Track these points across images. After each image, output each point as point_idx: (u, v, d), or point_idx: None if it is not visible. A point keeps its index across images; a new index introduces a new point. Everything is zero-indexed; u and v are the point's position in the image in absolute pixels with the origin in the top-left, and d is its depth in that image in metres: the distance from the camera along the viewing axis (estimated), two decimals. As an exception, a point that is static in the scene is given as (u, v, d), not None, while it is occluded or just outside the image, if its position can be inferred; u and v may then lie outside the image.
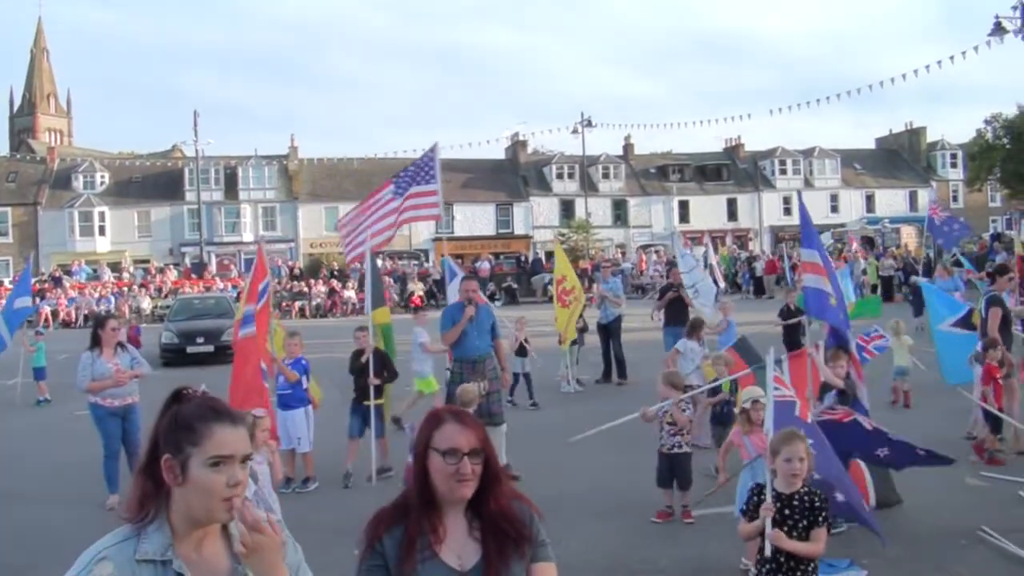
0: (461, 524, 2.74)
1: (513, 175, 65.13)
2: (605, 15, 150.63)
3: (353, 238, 13.53)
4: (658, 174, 66.59)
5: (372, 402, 9.89)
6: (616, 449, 10.07)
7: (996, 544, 6.96)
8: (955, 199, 66.68)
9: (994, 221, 62.81)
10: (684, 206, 64.71)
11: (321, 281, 42.66)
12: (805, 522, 4.84)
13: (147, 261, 52.52)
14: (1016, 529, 7.22)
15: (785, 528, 4.82)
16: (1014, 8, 38.94)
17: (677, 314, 15.55)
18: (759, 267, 43.40)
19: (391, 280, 43.84)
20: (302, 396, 10.05)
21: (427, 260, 53.82)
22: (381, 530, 2.72)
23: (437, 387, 12.88)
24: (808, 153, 67.78)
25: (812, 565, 4.85)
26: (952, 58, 34.34)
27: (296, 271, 47.76)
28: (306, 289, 41.55)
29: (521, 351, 14.54)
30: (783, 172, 67.15)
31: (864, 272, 36.43)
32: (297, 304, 39.83)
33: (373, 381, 9.90)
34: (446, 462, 2.68)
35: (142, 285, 42.89)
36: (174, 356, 22.26)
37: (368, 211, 13.37)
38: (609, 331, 16.69)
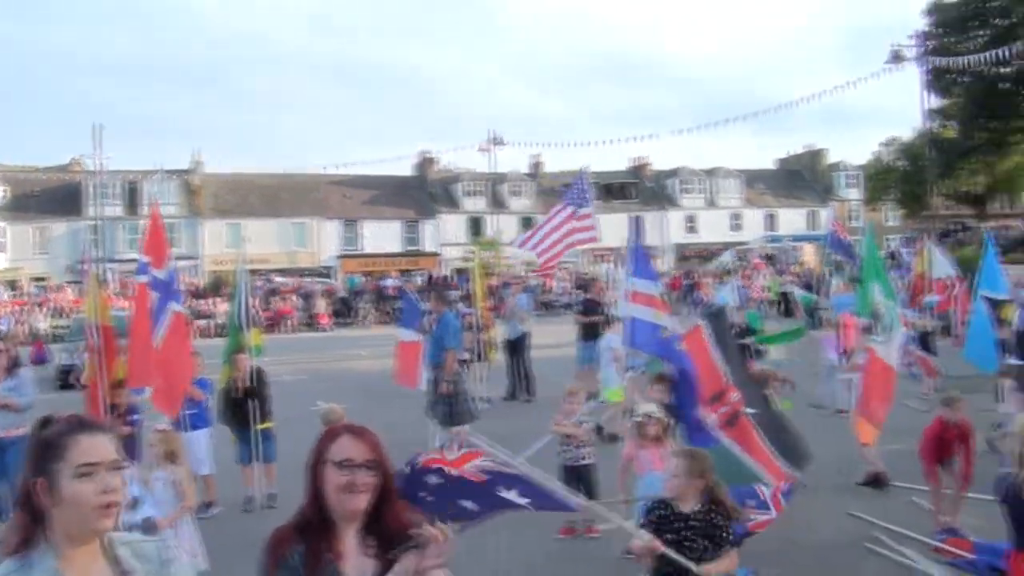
0: (355, 541, 2.70)
1: (421, 192, 65.04)
2: (513, 34, 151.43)
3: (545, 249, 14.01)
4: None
5: (256, 427, 9.74)
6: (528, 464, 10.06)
7: (892, 551, 7.14)
8: (852, 218, 68.72)
9: (890, 240, 64.84)
10: (592, 224, 65.35)
11: (225, 299, 41.83)
12: (707, 542, 4.66)
13: (45, 279, 50.93)
14: (910, 536, 7.44)
15: (685, 548, 4.62)
16: (910, 37, 40.78)
17: (591, 329, 15.92)
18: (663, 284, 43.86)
19: (296, 297, 43.30)
20: (205, 417, 9.94)
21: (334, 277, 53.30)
22: (286, 546, 2.67)
23: (623, 396, 13.11)
24: (712, 173, 69.31)
25: None
26: (853, 83, 35.60)
27: (199, 289, 46.71)
28: (211, 308, 40.72)
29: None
30: (687, 191, 68.51)
31: (768, 289, 37.37)
32: (199, 323, 38.96)
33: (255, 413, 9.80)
34: (340, 473, 2.66)
35: (39, 304, 41.56)
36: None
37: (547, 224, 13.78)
38: (516, 347, 16.74)
